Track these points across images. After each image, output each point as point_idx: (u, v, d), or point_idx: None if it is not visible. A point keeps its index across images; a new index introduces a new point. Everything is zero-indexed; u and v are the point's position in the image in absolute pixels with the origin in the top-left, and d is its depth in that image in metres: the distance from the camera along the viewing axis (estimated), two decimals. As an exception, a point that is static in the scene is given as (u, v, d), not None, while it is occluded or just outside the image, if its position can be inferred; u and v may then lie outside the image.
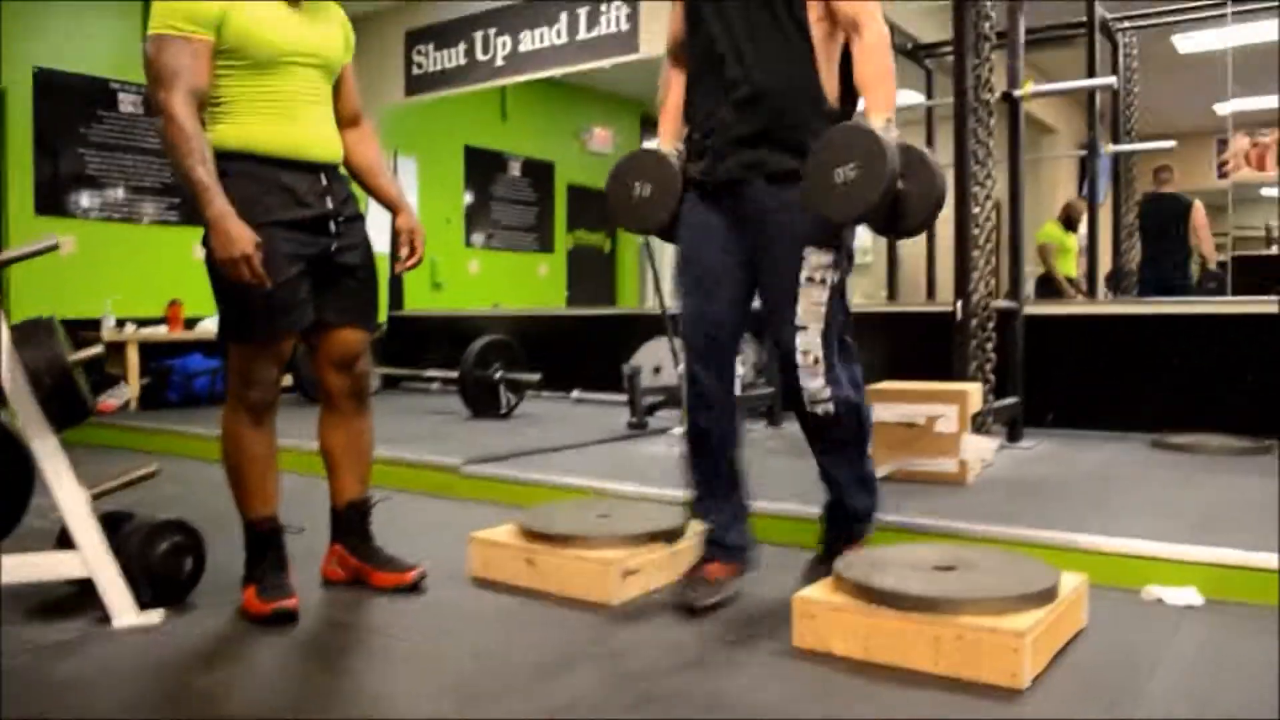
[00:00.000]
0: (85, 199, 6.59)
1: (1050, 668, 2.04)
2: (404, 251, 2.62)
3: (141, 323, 6.59)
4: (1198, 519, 2.98)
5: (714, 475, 2.53)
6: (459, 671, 2.06)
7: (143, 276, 6.76)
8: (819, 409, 2.41)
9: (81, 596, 2.40)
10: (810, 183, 2.23)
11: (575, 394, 6.62)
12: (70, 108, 6.52)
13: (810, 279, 2.35)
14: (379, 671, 2.09)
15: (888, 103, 2.27)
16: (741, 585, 2.53)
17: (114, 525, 2.38)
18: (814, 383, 2.39)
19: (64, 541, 2.38)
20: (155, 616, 2.29)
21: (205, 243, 2.25)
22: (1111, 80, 5.27)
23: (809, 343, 2.36)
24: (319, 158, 2.42)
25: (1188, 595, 2.49)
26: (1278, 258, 7.88)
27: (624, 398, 5.84)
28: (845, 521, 2.59)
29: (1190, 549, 2.59)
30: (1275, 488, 3.38)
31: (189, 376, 6.52)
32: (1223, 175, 12.35)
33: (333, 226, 2.45)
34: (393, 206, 2.64)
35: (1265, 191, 10.24)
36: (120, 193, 6.77)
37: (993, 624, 1.97)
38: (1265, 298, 5.05)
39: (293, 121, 2.36)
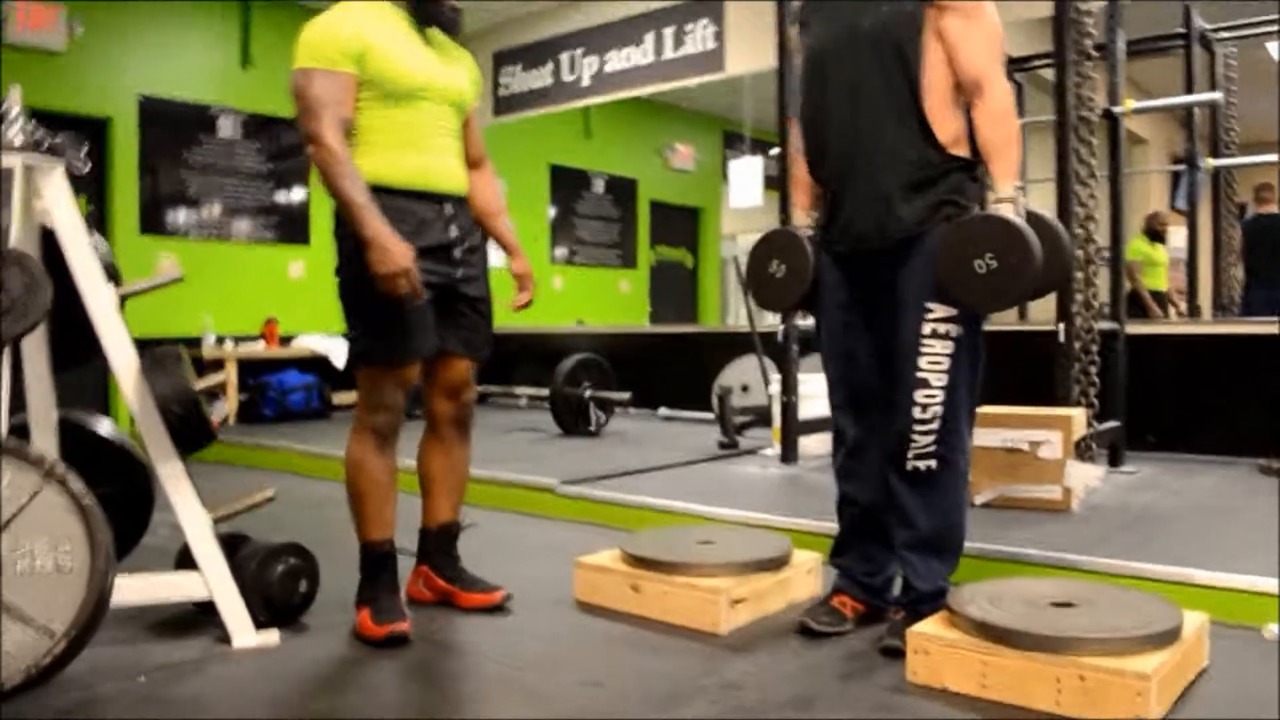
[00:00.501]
0: (185, 219, 6.80)
1: (1175, 709, 1.98)
2: (520, 293, 2.75)
3: (238, 339, 6.77)
4: (1318, 553, 2.87)
5: (851, 533, 2.54)
6: (573, 701, 2.07)
7: (239, 294, 6.94)
8: (922, 464, 2.32)
9: (199, 616, 2.47)
10: (945, 271, 2.23)
11: (662, 411, 6.63)
12: (172, 132, 6.73)
13: (934, 333, 2.29)
14: (496, 700, 2.12)
15: (1013, 170, 2.24)
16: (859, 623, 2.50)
17: (231, 547, 2.44)
18: (926, 438, 2.31)
19: (183, 562, 2.47)
20: (273, 637, 2.35)
21: (341, 270, 2.41)
22: (1217, 96, 5.12)
23: (930, 397, 2.30)
24: (446, 188, 2.50)
25: (1313, 634, 2.41)
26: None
27: (710, 415, 5.84)
28: (911, 601, 2.39)
29: (1313, 586, 2.50)
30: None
31: (284, 392, 6.68)
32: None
33: (457, 254, 2.52)
34: (509, 250, 2.75)
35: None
36: (218, 212, 6.97)
37: (1117, 665, 1.92)
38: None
39: (422, 152, 2.45)
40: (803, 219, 2.59)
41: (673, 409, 6.60)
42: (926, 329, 2.29)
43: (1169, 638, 2.03)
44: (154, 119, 6.63)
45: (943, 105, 2.29)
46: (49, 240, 2.31)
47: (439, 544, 2.69)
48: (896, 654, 2.23)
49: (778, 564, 2.68)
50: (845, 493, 2.54)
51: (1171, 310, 7.50)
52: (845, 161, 2.38)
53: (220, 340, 6.65)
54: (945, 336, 2.29)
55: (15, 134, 2.23)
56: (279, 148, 7.27)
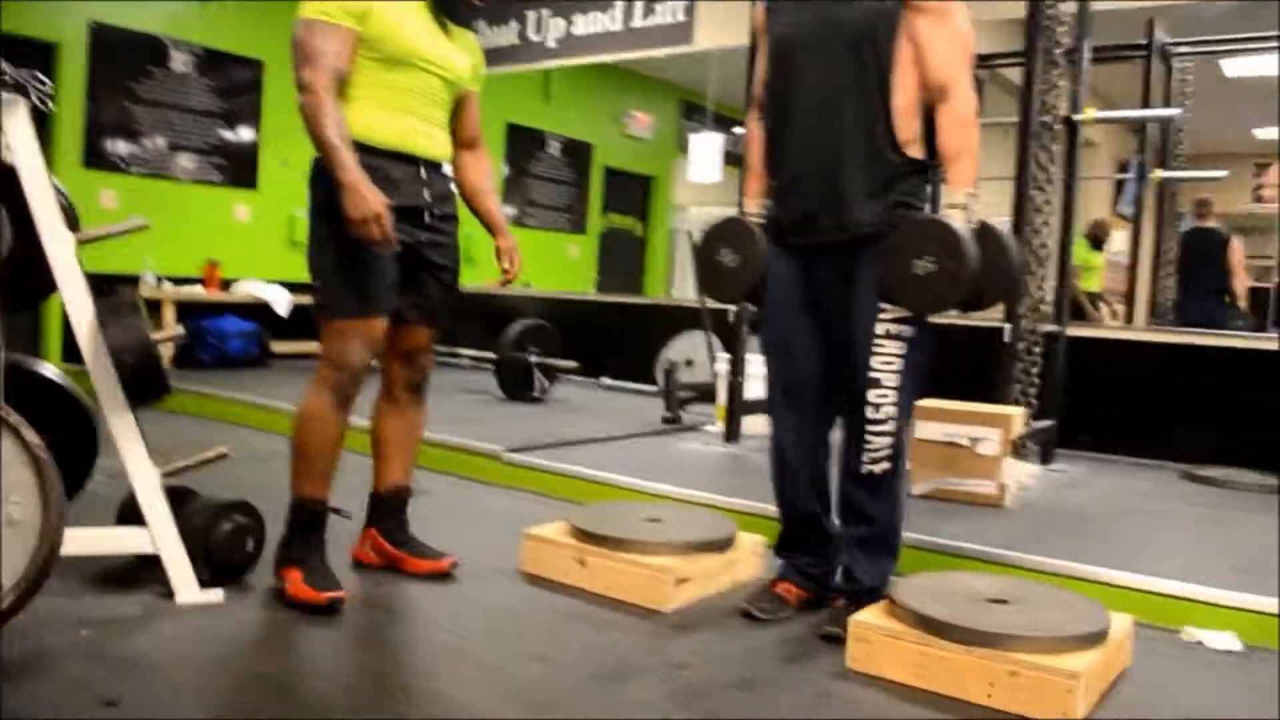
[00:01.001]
0: (130, 154, 6.61)
1: (1098, 707, 2.07)
2: (505, 266, 2.76)
3: (178, 281, 6.62)
4: (1236, 561, 2.99)
5: (792, 529, 2.59)
6: (522, 673, 2.09)
7: (182, 234, 6.76)
8: (878, 468, 2.37)
9: (140, 569, 2.45)
10: (888, 271, 2.26)
11: (605, 381, 6.65)
12: (122, 63, 6.53)
13: (886, 333, 2.32)
14: (445, 670, 2.13)
15: (970, 176, 2.26)
16: (801, 609, 2.56)
17: (177, 501, 2.41)
18: (880, 440, 2.35)
19: (127, 514, 2.44)
20: (216, 595, 2.33)
21: (313, 221, 2.42)
22: (1175, 112, 5.24)
23: (882, 396, 2.33)
24: (424, 153, 2.52)
25: (1227, 640, 2.52)
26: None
27: (653, 388, 5.88)
28: (854, 592, 2.45)
29: (1231, 594, 2.61)
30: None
31: (223, 338, 6.57)
32: (1257, 199, 12.33)
33: (427, 218, 2.53)
34: (494, 228, 2.79)
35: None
36: (165, 150, 6.78)
37: (1048, 662, 2.00)
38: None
39: (406, 116, 2.47)
40: (753, 207, 2.59)
41: (615, 379, 6.62)
42: (881, 329, 2.32)
43: (1097, 638, 2.12)
44: (104, 47, 6.40)
45: (908, 107, 2.31)
46: (5, 178, 2.24)
47: (390, 508, 2.70)
48: (837, 641, 2.28)
49: (723, 545, 2.73)
50: (782, 492, 2.58)
51: (1104, 308, 7.67)
52: (807, 154, 2.38)
53: (160, 281, 6.51)
54: (898, 337, 2.32)
55: (-25, 67, 2.16)
56: (231, 85, 7.09)
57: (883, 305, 2.31)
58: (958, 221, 2.23)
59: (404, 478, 2.72)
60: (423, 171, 2.52)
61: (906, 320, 2.32)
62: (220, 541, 2.40)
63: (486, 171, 2.81)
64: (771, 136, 2.49)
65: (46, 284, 2.28)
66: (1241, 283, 6.99)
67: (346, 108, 2.37)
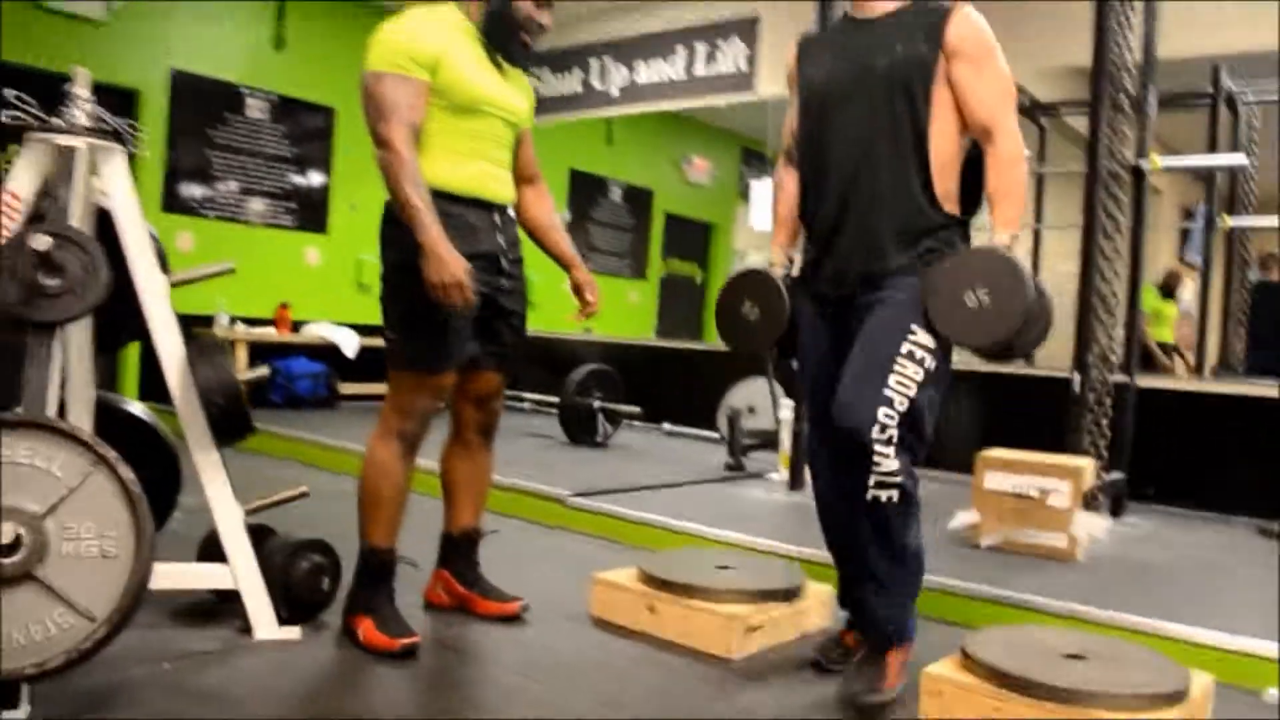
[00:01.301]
0: (206, 198, 6.82)
1: (1179, 769, 2.02)
2: (588, 298, 2.80)
3: (250, 322, 6.79)
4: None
5: (848, 575, 2.52)
6: (592, 718, 2.10)
7: (254, 277, 6.94)
8: (884, 494, 2.19)
9: (219, 605, 2.51)
10: (937, 300, 2.19)
11: (666, 426, 6.66)
12: (199, 110, 6.75)
13: (910, 354, 2.21)
14: (513, 711, 2.14)
15: (1015, 219, 2.21)
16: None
17: (257, 539, 2.47)
18: (889, 463, 2.17)
19: (207, 550, 2.50)
20: (294, 633, 2.38)
21: (388, 272, 2.45)
22: (1242, 158, 5.18)
23: (890, 417, 2.17)
24: (498, 198, 2.56)
25: (1312, 702, 2.45)
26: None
27: (713, 434, 5.88)
28: (874, 642, 2.33)
29: (1316, 655, 2.54)
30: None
31: (292, 379, 6.70)
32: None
33: (504, 263, 2.56)
34: (568, 263, 2.81)
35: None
36: (239, 194, 6.99)
37: (1128, 721, 1.97)
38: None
39: (477, 160, 2.50)
40: (780, 258, 2.52)
41: (677, 424, 6.63)
42: (905, 349, 2.20)
43: (1177, 697, 2.07)
44: (183, 94, 6.65)
45: (947, 160, 2.28)
46: (102, 221, 2.34)
47: (461, 549, 2.74)
48: (876, 710, 2.22)
49: (793, 594, 2.72)
50: (831, 542, 2.53)
51: (1178, 360, 7.54)
52: (842, 204, 2.33)
53: (233, 322, 6.67)
54: (920, 363, 2.20)
55: (80, 115, 2.26)
56: (303, 132, 7.30)
57: (912, 328, 2.22)
58: (1013, 254, 2.16)
59: (474, 520, 2.75)
60: (496, 217, 2.55)
61: (931, 350, 2.22)
62: (298, 579, 2.44)
63: (550, 207, 2.83)
64: (805, 187, 2.43)
65: (136, 325, 2.36)
66: None
67: (420, 156, 2.37)
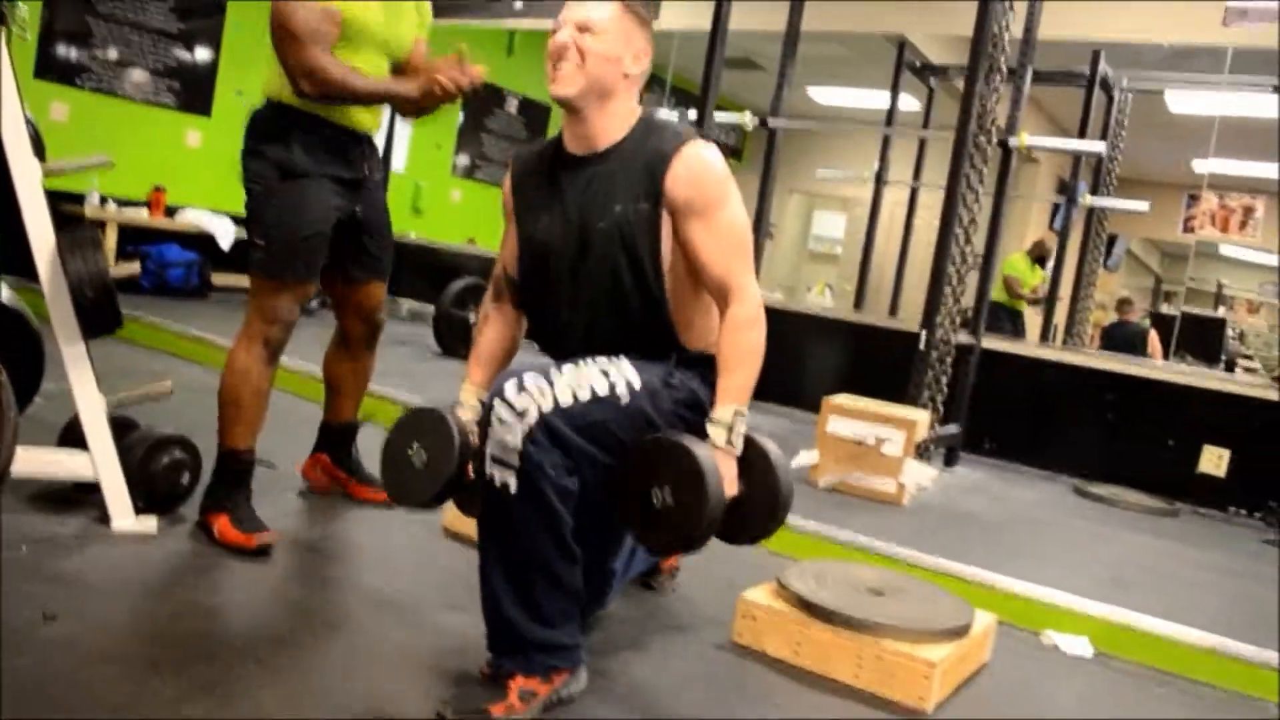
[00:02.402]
0: (82, 69, 6.55)
1: (954, 696, 2.29)
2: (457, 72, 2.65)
3: (123, 203, 6.60)
4: (1102, 575, 3.27)
5: None
6: (439, 627, 2.26)
7: (130, 156, 6.72)
8: (498, 475, 1.79)
9: (77, 491, 2.56)
10: (622, 497, 1.90)
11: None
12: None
13: (604, 371, 1.90)
14: (375, 627, 2.29)
15: (743, 393, 1.93)
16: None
17: (119, 431, 2.53)
18: (505, 433, 1.78)
19: (68, 438, 2.55)
20: (151, 524, 2.46)
21: (254, 183, 2.53)
22: (1100, 147, 5.51)
23: (540, 388, 1.81)
24: (360, 126, 2.66)
25: (1080, 645, 2.77)
26: (1211, 319, 8.31)
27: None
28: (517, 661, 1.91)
29: (1087, 603, 2.86)
30: (1173, 552, 3.70)
31: (164, 265, 6.58)
32: (1188, 229, 12.81)
33: (368, 185, 2.73)
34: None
35: (1224, 250, 10.67)
36: (119, 67, 6.73)
37: (910, 650, 2.22)
38: (1198, 371, 5.40)
39: None
40: (472, 398, 2.10)
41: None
42: (603, 364, 1.91)
43: (959, 633, 2.34)
44: (65, -44, 6.34)
45: (689, 313, 2.04)
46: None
47: (340, 438, 3.00)
48: None
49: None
50: None
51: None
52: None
53: (104, 201, 6.48)
54: (613, 385, 1.89)
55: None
56: (192, 6, 7.03)
57: (619, 361, 1.93)
58: (705, 450, 1.84)
59: (354, 415, 3.00)
60: (364, 147, 2.69)
61: (634, 391, 1.91)
62: (158, 473, 2.52)
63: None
64: (544, 342, 2.15)
65: (6, 212, 2.36)
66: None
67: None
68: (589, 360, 1.90)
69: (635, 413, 1.90)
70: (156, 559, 2.33)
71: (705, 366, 2.02)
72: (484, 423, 1.80)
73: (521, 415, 1.77)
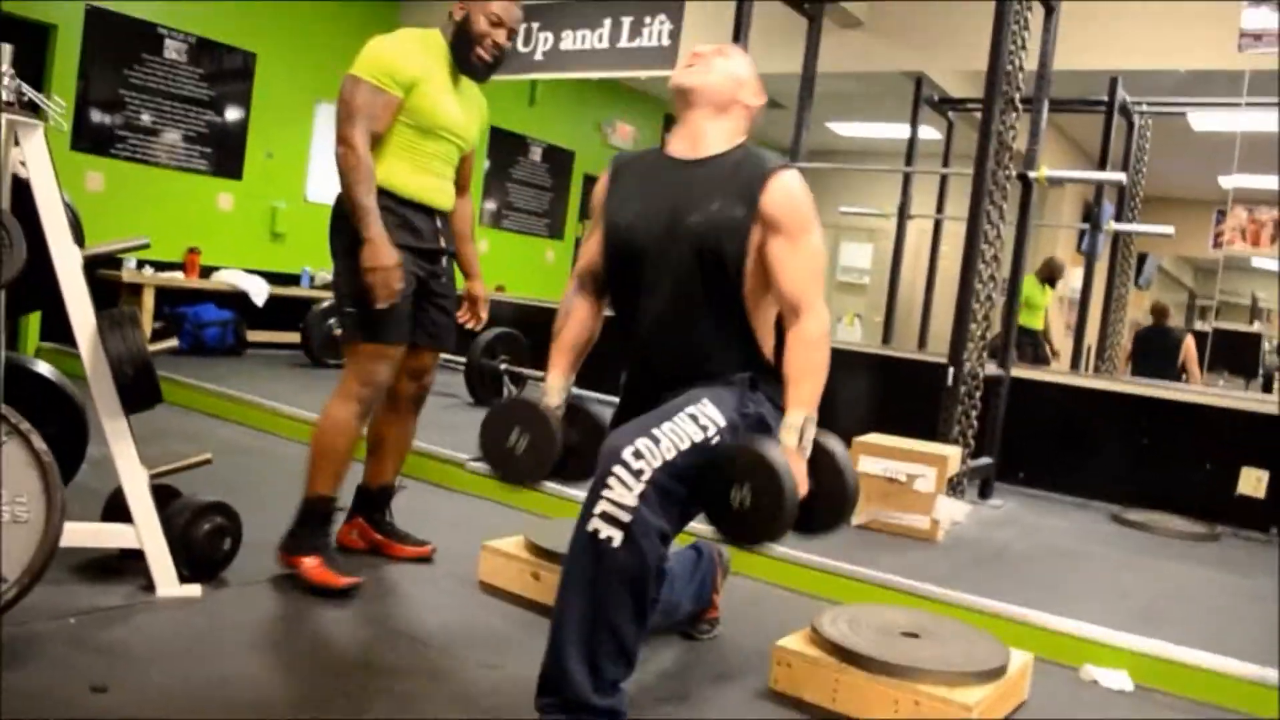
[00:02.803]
0: (118, 139, 6.73)
1: (992, 737, 2.30)
2: (470, 315, 3.21)
3: (159, 266, 6.75)
4: (1141, 606, 3.25)
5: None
6: (470, 682, 2.29)
7: (165, 220, 6.89)
8: (604, 530, 1.88)
9: (123, 561, 2.62)
10: (702, 492, 2.03)
11: (573, 391, 6.82)
12: (115, 48, 6.65)
13: (694, 417, 2.03)
14: (404, 679, 2.33)
15: (812, 400, 2.09)
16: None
17: (161, 500, 2.59)
18: (626, 494, 1.88)
19: (112, 508, 2.62)
20: (195, 590, 2.52)
21: (344, 256, 2.74)
22: (1120, 177, 5.51)
23: (650, 449, 1.92)
24: (437, 204, 2.92)
25: (1120, 679, 2.76)
26: (1246, 334, 8.22)
27: (618, 399, 6.08)
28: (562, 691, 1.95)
29: (1126, 637, 2.85)
30: (1214, 579, 3.67)
31: (200, 325, 6.71)
32: (1217, 245, 12.73)
33: (439, 258, 2.96)
34: (469, 273, 3.19)
35: (1255, 263, 10.59)
36: (152, 136, 6.91)
37: (946, 694, 2.23)
38: (1233, 393, 5.36)
39: (430, 176, 2.87)
40: (559, 383, 2.41)
41: (582, 388, 6.80)
42: (691, 409, 2.04)
43: (995, 674, 2.35)
44: (98, 31, 6.53)
45: (763, 318, 2.24)
46: (19, 193, 2.41)
47: (378, 501, 3.10)
48: None
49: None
50: None
51: (1048, 349, 7.93)
52: (658, 357, 2.25)
53: (140, 265, 6.63)
54: (704, 429, 2.02)
55: (2, 91, 2.33)
56: (221, 75, 7.22)
57: (705, 402, 2.07)
58: (778, 454, 1.99)
59: (393, 476, 3.13)
60: (438, 221, 2.93)
61: (720, 428, 2.05)
62: (200, 540, 2.59)
63: (469, 217, 3.16)
64: (626, 333, 2.31)
65: (48, 293, 2.44)
66: (1197, 376, 7.34)
67: (381, 160, 2.74)
68: (680, 413, 2.02)
69: (722, 448, 2.05)
70: (201, 625, 2.39)
71: (772, 388, 2.21)
72: (597, 480, 1.92)
73: (638, 475, 1.89)
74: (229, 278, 7.00)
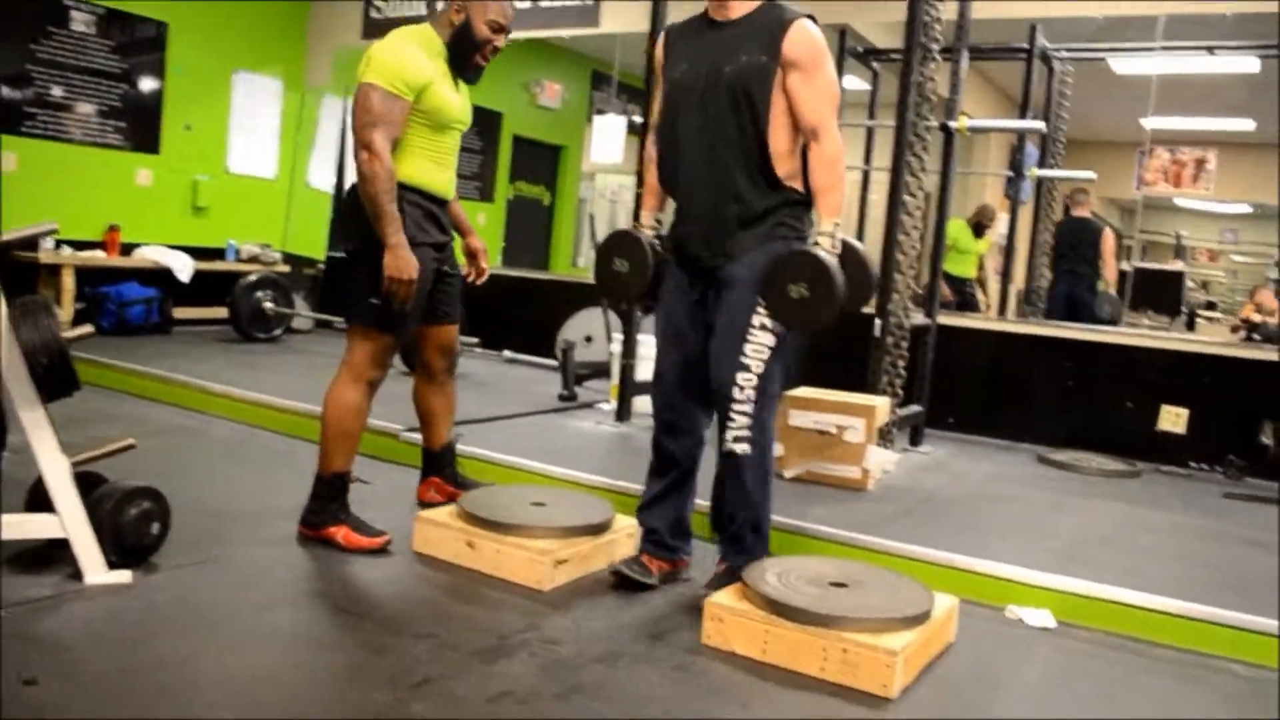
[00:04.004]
0: (30, 116, 6.53)
1: (919, 680, 2.38)
2: (474, 270, 3.41)
3: (78, 246, 6.58)
4: (1064, 545, 3.36)
5: (667, 490, 2.89)
6: (408, 654, 2.32)
7: (82, 199, 6.71)
8: (739, 447, 2.67)
9: (49, 550, 2.59)
10: (767, 293, 2.61)
11: (506, 354, 6.83)
12: (19, 22, 6.42)
13: (763, 325, 2.65)
14: (334, 647, 2.34)
15: (836, 209, 2.64)
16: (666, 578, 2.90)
17: (86, 486, 2.56)
18: (743, 419, 2.66)
19: (36, 500, 2.58)
20: (125, 576, 2.50)
21: (367, 250, 2.86)
22: (1040, 125, 5.61)
23: (748, 380, 2.64)
24: (448, 194, 3.12)
25: (1043, 617, 2.86)
26: (1168, 272, 8.39)
27: (552, 362, 6.09)
28: (737, 555, 2.78)
29: (1047, 576, 2.96)
30: (1134, 515, 3.80)
31: (124, 304, 6.56)
32: (1142, 184, 12.98)
33: (448, 246, 3.16)
34: (465, 230, 3.39)
35: (1178, 202, 10.84)
36: (65, 112, 6.71)
37: (872, 641, 2.29)
38: (1153, 333, 5.51)
39: (445, 168, 3.07)
40: (649, 219, 2.96)
41: (518, 352, 6.81)
42: (756, 321, 2.65)
43: (919, 620, 2.42)
44: (1, 6, 6.31)
45: (785, 149, 2.66)
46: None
47: (445, 459, 3.45)
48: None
49: (601, 529, 2.98)
50: (669, 455, 2.87)
51: (979, 293, 8.03)
52: (696, 187, 2.73)
53: (59, 245, 6.46)
54: (769, 330, 2.65)
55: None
56: (133, 46, 7.02)
57: (759, 305, 2.64)
58: (825, 252, 2.58)
59: (447, 435, 3.42)
60: (446, 210, 3.12)
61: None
62: (127, 526, 2.56)
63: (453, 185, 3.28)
64: (665, 171, 2.83)
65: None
66: (1112, 270, 7.43)
67: (405, 159, 2.91)
68: (750, 329, 2.64)
69: (787, 336, 2.69)
70: (132, 612, 2.37)
71: (794, 216, 2.71)
72: (721, 415, 2.70)
73: (746, 401, 2.64)
74: (151, 254, 6.85)
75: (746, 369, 2.64)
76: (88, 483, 2.59)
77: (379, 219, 2.81)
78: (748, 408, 2.65)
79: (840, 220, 2.65)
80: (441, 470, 3.46)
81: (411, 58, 2.87)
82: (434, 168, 3.00)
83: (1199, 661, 2.67)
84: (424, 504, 3.36)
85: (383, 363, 3.00)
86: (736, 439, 2.67)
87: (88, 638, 2.21)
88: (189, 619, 2.38)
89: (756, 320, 2.65)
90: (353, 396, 2.96)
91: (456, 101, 3.01)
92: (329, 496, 2.98)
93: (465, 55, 2.99)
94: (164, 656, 2.17)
